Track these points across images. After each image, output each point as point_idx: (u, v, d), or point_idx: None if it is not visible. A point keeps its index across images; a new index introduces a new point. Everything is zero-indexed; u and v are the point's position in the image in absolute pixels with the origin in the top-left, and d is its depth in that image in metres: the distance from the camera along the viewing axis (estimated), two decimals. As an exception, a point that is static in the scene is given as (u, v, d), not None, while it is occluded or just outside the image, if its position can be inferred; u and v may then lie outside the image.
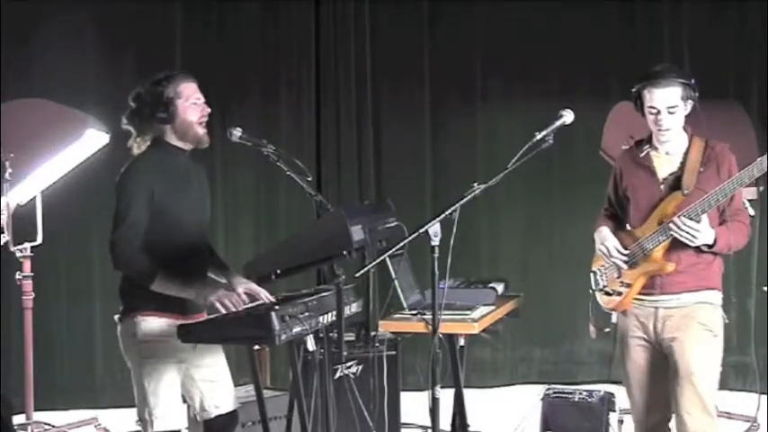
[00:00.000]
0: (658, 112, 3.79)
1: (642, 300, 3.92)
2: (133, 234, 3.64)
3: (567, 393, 5.09)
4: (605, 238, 3.98)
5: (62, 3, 6.50)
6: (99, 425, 5.82)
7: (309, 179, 4.05)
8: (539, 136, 3.59)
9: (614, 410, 5.12)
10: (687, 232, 3.70)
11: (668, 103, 3.77)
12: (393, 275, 4.00)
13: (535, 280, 6.80)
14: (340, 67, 6.95)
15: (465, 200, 3.59)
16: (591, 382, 6.51)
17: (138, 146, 3.82)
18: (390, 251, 3.65)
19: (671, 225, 3.73)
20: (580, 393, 5.07)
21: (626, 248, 3.93)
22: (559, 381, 6.16)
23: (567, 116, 3.63)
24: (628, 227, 4.01)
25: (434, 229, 3.50)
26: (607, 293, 4.02)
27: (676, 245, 3.80)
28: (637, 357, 3.95)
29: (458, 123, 7.05)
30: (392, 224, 3.87)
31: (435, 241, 3.50)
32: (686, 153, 3.86)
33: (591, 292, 4.11)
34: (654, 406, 3.94)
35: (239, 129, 3.99)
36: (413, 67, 6.99)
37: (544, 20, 6.83)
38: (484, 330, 4.12)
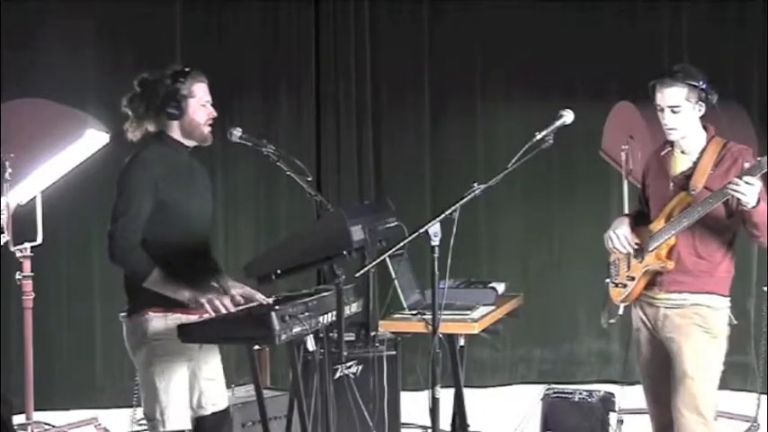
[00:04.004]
0: (662, 110, 3.81)
1: (647, 296, 3.95)
2: (133, 227, 3.60)
3: (567, 393, 5.10)
4: (617, 225, 3.98)
5: (62, 3, 6.50)
6: (99, 425, 5.81)
7: (309, 179, 4.04)
8: (539, 136, 3.59)
9: (614, 410, 5.13)
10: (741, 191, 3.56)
11: (670, 102, 3.78)
12: (393, 275, 4.00)
13: (535, 280, 6.81)
14: (340, 67, 6.95)
15: (465, 200, 3.58)
16: (591, 382, 6.52)
17: (132, 131, 3.76)
18: (390, 251, 3.66)
19: (729, 186, 3.58)
20: (580, 393, 5.07)
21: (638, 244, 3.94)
22: (559, 381, 6.15)
23: (567, 116, 3.62)
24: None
25: (434, 229, 3.50)
26: (616, 285, 4.07)
27: (680, 245, 3.82)
28: (646, 352, 4.00)
29: (458, 123, 7.06)
30: (392, 224, 3.87)
31: (435, 241, 3.50)
32: (702, 153, 3.85)
33: (606, 282, 4.15)
34: (663, 402, 3.90)
35: (239, 129, 3.98)
36: (413, 67, 6.99)
37: (544, 20, 6.83)
38: (484, 330, 4.13)
